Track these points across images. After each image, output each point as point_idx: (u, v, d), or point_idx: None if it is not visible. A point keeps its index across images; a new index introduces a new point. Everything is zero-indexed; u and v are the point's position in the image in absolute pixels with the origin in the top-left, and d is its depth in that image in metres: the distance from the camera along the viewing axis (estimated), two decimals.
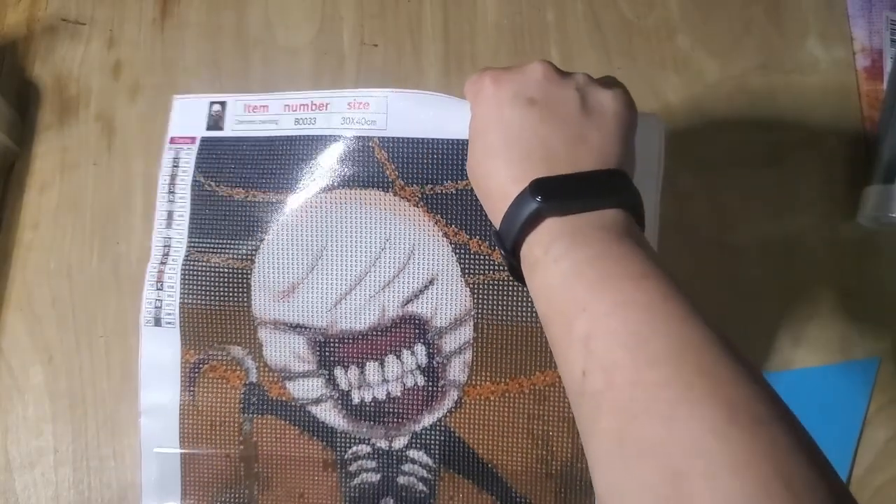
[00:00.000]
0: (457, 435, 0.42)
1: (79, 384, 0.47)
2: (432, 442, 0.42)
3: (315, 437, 0.43)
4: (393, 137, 0.41)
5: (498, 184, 0.29)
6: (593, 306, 0.24)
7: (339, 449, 0.43)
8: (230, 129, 0.45)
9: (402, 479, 0.42)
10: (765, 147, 0.50)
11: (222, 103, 0.46)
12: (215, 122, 0.46)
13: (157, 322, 0.44)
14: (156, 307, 0.44)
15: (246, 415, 0.43)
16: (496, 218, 0.30)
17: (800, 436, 0.19)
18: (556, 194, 0.27)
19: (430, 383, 0.42)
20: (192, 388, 0.44)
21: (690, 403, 0.19)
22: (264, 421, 0.43)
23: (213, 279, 0.43)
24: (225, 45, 0.55)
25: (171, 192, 0.45)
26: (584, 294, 0.24)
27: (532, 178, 0.28)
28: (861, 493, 0.43)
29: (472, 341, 0.41)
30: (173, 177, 0.45)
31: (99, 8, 0.56)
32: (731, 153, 0.50)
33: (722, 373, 0.20)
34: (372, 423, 0.42)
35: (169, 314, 0.44)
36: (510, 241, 0.29)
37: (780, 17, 0.53)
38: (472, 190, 0.39)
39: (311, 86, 0.53)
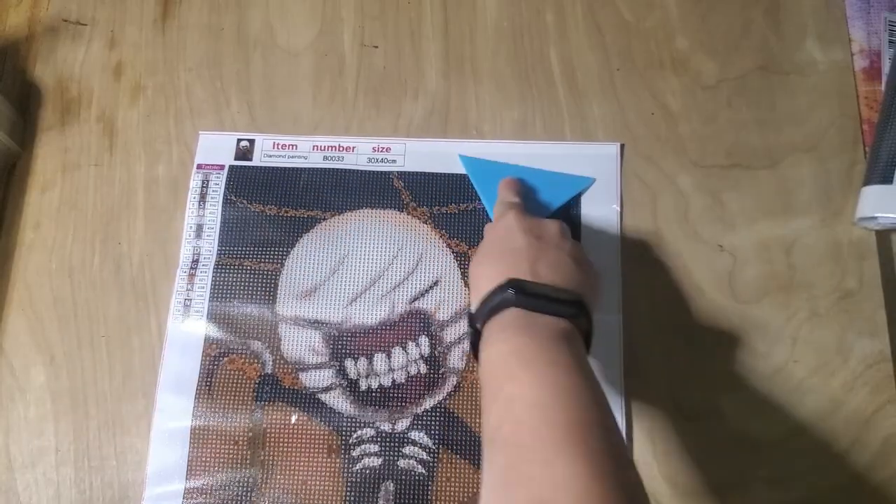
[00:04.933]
0: (455, 415, 0.46)
1: (80, 384, 0.48)
2: (432, 422, 0.45)
3: (322, 422, 0.46)
4: (409, 172, 0.51)
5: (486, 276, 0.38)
6: (521, 378, 0.32)
7: (344, 433, 0.45)
8: (259, 161, 0.51)
9: (402, 463, 0.45)
10: (763, 148, 0.51)
11: (251, 140, 0.52)
12: (243, 154, 0.51)
13: (186, 313, 0.48)
14: (185, 305, 0.48)
15: (258, 403, 0.46)
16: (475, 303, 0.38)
17: (637, 483, 0.29)
18: (527, 294, 0.35)
19: (432, 371, 0.46)
20: (209, 380, 0.46)
21: (566, 456, 0.28)
22: (274, 408, 0.46)
23: (243, 280, 0.48)
24: (225, 47, 0.55)
25: (201, 208, 0.50)
26: (517, 369, 0.32)
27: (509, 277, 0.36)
28: (860, 491, 0.44)
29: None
30: (203, 195, 0.50)
31: (100, 9, 0.57)
32: (730, 154, 0.51)
33: (592, 439, 0.29)
34: (377, 407, 0.46)
35: (198, 310, 0.48)
36: (479, 319, 0.36)
37: (778, 19, 0.54)
38: (471, 210, 0.50)
39: (313, 88, 0.54)
